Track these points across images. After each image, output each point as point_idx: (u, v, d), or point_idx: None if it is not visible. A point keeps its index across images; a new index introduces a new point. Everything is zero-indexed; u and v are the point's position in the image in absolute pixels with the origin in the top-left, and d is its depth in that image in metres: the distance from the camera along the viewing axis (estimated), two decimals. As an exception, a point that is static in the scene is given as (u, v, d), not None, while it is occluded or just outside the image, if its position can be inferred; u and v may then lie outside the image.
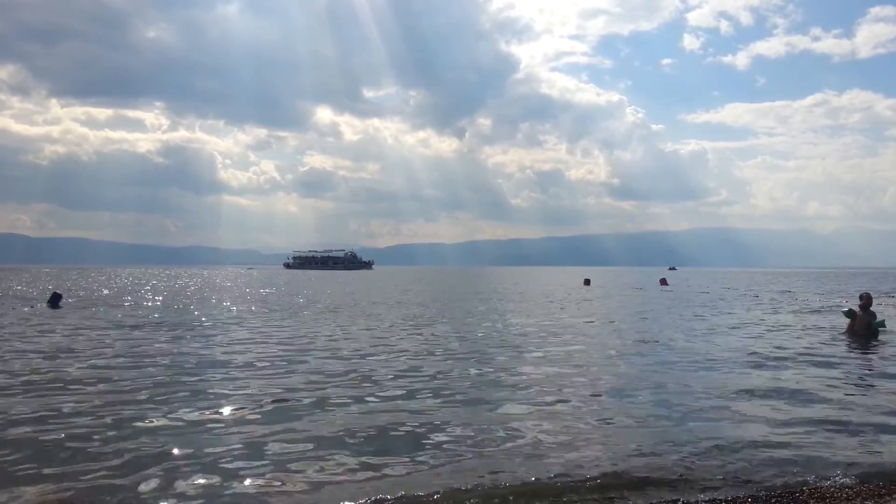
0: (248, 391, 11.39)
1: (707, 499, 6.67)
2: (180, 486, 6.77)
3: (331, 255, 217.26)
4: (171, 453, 7.80)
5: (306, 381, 12.29)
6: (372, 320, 26.02)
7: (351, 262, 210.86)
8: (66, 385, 11.90)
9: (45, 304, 35.36)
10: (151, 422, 9.25)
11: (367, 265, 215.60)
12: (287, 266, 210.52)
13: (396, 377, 12.81)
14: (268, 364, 14.33)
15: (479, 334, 20.86)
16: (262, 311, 30.98)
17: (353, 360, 14.98)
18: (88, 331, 21.40)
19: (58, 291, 40.24)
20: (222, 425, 9.11)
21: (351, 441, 8.41)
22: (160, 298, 41.73)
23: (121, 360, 14.98)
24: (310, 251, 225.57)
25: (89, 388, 11.62)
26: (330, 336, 20.19)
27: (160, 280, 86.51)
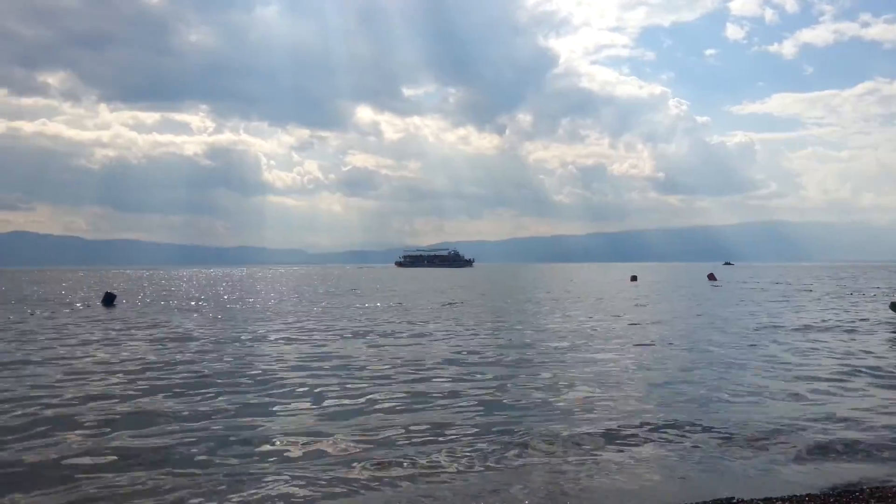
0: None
1: (762, 497, 6.58)
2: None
3: (437, 254, 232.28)
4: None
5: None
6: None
7: (454, 260, 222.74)
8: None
9: (99, 303, 36.72)
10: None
11: (469, 263, 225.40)
12: (399, 264, 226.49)
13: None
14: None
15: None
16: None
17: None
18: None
19: (111, 292, 41.56)
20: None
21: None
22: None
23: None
24: (417, 251, 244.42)
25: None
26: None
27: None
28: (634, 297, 41.78)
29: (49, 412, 10.14)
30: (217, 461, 7.73)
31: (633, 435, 8.67)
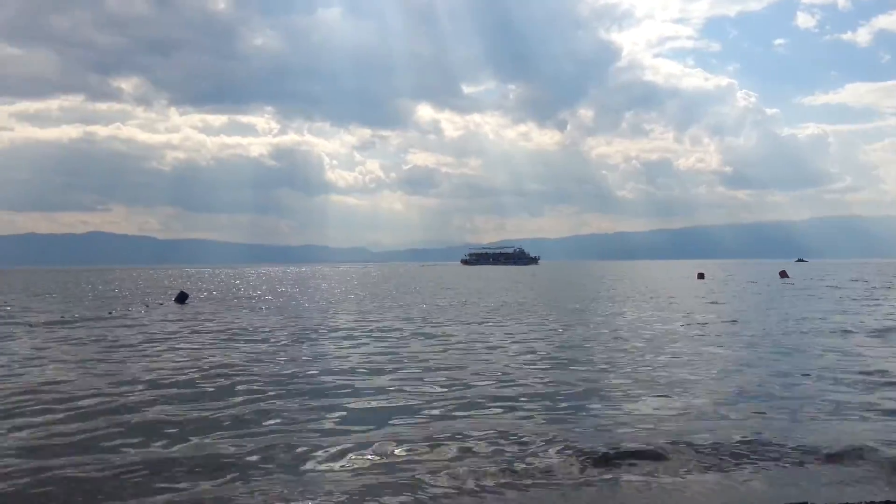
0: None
1: (839, 503, 6.45)
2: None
3: (502, 251, 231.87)
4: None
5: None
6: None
7: (520, 257, 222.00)
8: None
9: (172, 302, 37.99)
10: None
11: (535, 260, 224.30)
12: (464, 262, 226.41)
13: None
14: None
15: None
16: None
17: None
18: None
19: (184, 290, 42.97)
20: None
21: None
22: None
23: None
24: (483, 249, 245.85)
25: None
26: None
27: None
28: (704, 294, 40.68)
29: (125, 414, 10.43)
30: (289, 467, 7.79)
31: (708, 444, 8.35)
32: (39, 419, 9.93)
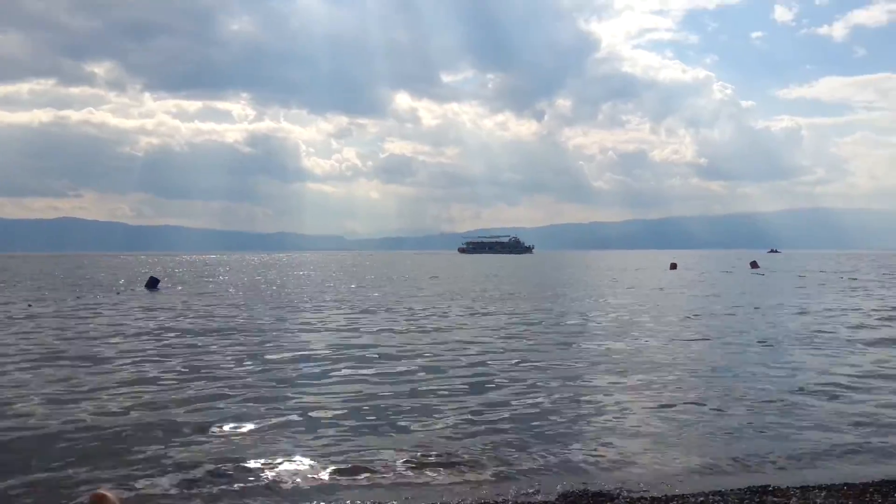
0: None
1: (798, 483, 6.54)
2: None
3: (498, 240, 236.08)
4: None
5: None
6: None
7: (515, 247, 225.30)
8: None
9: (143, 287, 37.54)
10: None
11: (529, 250, 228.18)
12: (461, 251, 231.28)
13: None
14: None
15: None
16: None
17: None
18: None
19: (155, 276, 42.45)
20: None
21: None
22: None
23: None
24: (479, 238, 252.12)
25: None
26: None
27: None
28: (678, 286, 41.07)
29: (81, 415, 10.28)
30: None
31: (663, 406, 8.52)
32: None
